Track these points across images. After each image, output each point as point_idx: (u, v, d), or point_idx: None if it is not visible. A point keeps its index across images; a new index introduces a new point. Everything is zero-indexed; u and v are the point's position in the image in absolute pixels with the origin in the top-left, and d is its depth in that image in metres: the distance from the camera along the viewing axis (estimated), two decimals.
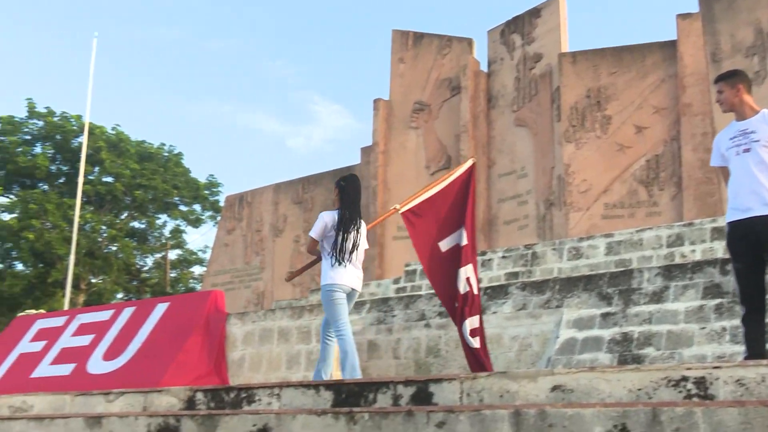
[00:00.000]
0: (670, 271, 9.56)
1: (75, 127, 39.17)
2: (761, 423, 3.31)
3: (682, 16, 17.75)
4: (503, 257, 14.79)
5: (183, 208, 41.70)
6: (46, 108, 39.47)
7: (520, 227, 19.17)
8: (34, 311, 17.09)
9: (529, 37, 20.15)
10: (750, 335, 5.42)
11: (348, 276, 6.89)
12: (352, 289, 6.95)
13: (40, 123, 39.57)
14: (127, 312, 11.44)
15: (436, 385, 4.71)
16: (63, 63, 79.31)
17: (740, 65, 14.85)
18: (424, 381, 4.78)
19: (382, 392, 4.93)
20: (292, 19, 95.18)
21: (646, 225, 16.05)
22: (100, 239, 37.60)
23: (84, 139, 31.32)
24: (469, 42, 21.58)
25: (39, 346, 12.31)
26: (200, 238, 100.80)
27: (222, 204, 33.23)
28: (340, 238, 6.91)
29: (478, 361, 7.32)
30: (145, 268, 43.08)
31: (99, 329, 11.45)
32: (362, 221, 7.21)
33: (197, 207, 41.98)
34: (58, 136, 39.19)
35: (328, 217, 7.05)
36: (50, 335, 12.39)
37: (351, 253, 6.95)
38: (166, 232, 42.24)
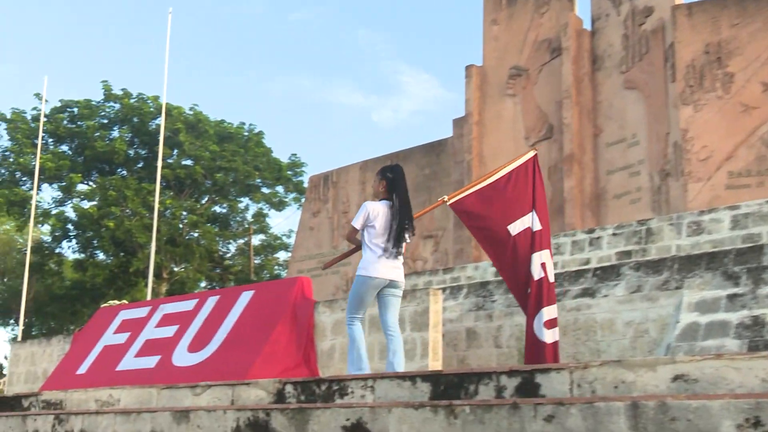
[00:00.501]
0: None
1: (152, 109, 40.42)
2: None
3: None
4: (614, 235, 14.48)
5: (265, 190, 42.52)
6: (122, 90, 40.90)
7: (632, 201, 18.70)
8: (116, 302, 17.82)
9: None
10: None
11: (385, 268, 7.12)
12: (390, 281, 7.16)
13: (117, 106, 41.02)
14: (212, 301, 11.77)
15: (543, 376, 4.66)
16: (138, 42, 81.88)
17: None
18: (530, 371, 4.74)
19: (483, 383, 4.91)
20: None
21: None
22: (180, 226, 38.77)
23: (161, 120, 32.28)
24: None
25: (123, 338, 12.83)
26: (284, 221, 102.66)
27: (306, 185, 33.74)
28: (384, 229, 7.11)
29: (545, 357, 7.25)
30: (228, 255, 44.22)
31: (183, 320, 11.83)
32: (410, 212, 7.36)
33: (280, 189, 42.73)
34: (135, 119, 40.54)
35: (372, 207, 7.23)
36: (134, 326, 12.89)
37: (395, 246, 7.15)
38: (249, 216, 43.21)
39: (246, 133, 41.93)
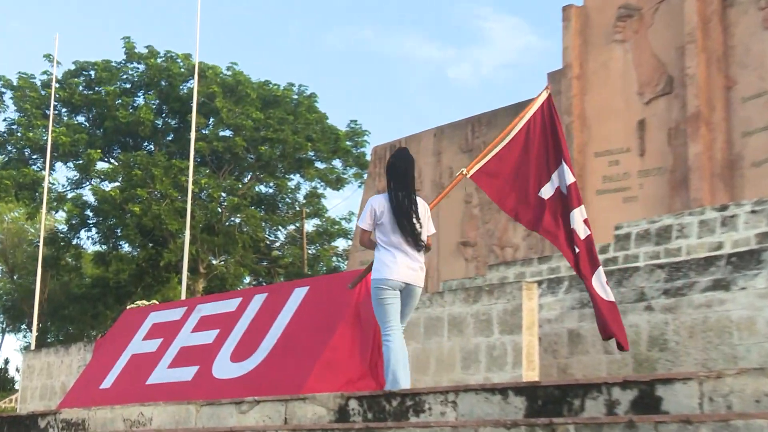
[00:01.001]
0: None
1: (183, 70, 40.99)
2: None
3: None
4: (753, 212, 14.17)
5: (320, 165, 42.81)
6: (147, 48, 41.54)
7: None
8: (145, 302, 18.21)
9: None
10: None
11: (401, 269, 7.41)
12: (407, 284, 7.47)
13: (141, 67, 41.75)
14: (258, 300, 11.90)
15: (665, 387, 4.61)
16: None
17: None
18: (649, 382, 4.69)
19: (591, 397, 4.87)
20: None
21: None
22: (219, 210, 39.29)
23: (194, 83, 32.69)
24: None
25: (154, 345, 13.07)
26: (343, 203, 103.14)
27: (368, 158, 33.80)
28: (392, 225, 7.43)
29: (619, 319, 7.68)
30: (277, 244, 44.75)
31: (224, 322, 11.99)
32: (421, 202, 7.68)
33: (337, 163, 43.00)
34: (162, 82, 41.20)
35: (376, 202, 7.55)
36: (166, 331, 13.12)
37: (407, 242, 7.45)
38: (300, 197, 43.56)
39: (295, 97, 42.22)
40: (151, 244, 40.67)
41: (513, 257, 21.85)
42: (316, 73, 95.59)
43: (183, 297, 28.10)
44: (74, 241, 43.34)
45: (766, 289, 10.20)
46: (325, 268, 43.66)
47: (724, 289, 10.72)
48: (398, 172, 7.60)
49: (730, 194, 18.87)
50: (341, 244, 44.93)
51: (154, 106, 41.33)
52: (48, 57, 40.83)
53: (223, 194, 39.55)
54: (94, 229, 42.67)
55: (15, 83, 41.05)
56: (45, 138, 37.59)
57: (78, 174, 41.28)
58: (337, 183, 42.61)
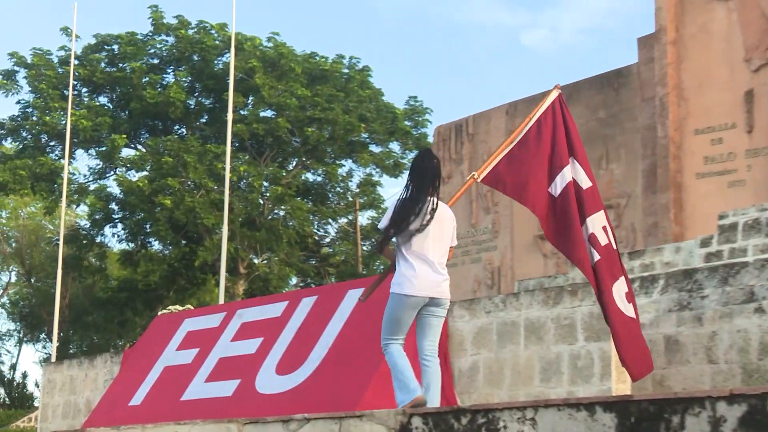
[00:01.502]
0: None
1: (218, 42, 41.29)
2: None
3: None
4: None
5: (375, 148, 42.84)
6: (177, 18, 41.88)
7: None
8: (179, 308, 18.38)
9: None
10: None
11: (423, 283, 7.67)
12: (431, 299, 7.73)
13: (171, 40, 42.13)
14: (306, 304, 11.98)
15: None
16: None
17: None
18: (760, 395, 4.64)
19: (692, 413, 4.84)
20: None
21: None
22: (261, 201, 39.52)
23: (231, 57, 32.88)
24: None
25: (189, 356, 13.23)
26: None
27: (431, 139, 33.75)
28: (414, 232, 7.71)
29: (641, 336, 8.09)
30: (327, 240, 44.94)
31: (268, 330, 12.10)
32: (446, 208, 7.95)
33: (395, 146, 42.99)
34: (195, 57, 41.54)
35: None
36: (203, 340, 13.26)
37: (430, 252, 7.73)
38: (353, 185, 43.61)
39: (346, 71, 42.29)
40: (184, 242, 41.05)
41: None
42: (369, 44, 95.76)
43: (221, 301, 28.34)
44: (98, 239, 43.90)
45: None
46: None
47: None
48: (421, 175, 7.88)
49: None
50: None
51: (186, 84, 41.65)
52: (65, 30, 41.36)
53: (265, 183, 39.75)
54: (119, 225, 43.18)
55: (29, 60, 41.62)
56: (63, 122, 38.04)
57: (101, 162, 41.79)
58: (395, 169, 42.55)
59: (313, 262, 43.86)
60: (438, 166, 8.01)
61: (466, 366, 10.79)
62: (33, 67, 41.33)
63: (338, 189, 43.62)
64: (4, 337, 62.41)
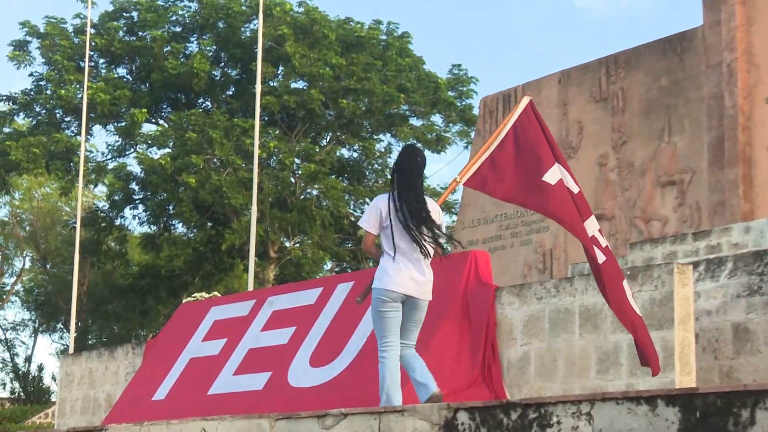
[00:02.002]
0: None
1: (245, 8, 41.36)
2: None
3: None
4: None
5: (416, 122, 42.80)
6: None
7: None
8: (205, 295, 18.48)
9: None
10: None
11: (403, 280, 8.25)
12: (408, 297, 8.32)
13: (194, 5, 42.24)
14: (342, 290, 12.01)
15: None
16: None
17: None
18: None
19: (763, 407, 4.82)
20: None
21: None
22: (293, 180, 39.61)
23: (259, 24, 32.95)
24: None
25: (216, 346, 13.30)
26: (446, 168, 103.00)
27: (477, 111, 33.69)
28: (399, 230, 8.30)
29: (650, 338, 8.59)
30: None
31: (301, 319, 12.14)
32: (434, 204, 8.64)
33: (438, 119, 42.95)
34: (220, 24, 41.66)
35: (382, 202, 8.50)
36: (231, 330, 13.32)
37: (415, 250, 8.32)
38: (392, 162, 43.50)
39: (383, 38, 42.23)
40: (210, 224, 41.26)
41: (661, 233, 21.61)
42: (408, 8, 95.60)
43: (250, 288, 28.49)
44: (117, 222, 44.25)
45: None
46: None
47: None
48: (405, 170, 8.52)
49: None
50: (445, 219, 44.91)
51: (211, 54, 41.77)
52: None
53: (297, 160, 39.81)
54: (141, 207, 43.49)
55: (42, 30, 41.88)
56: (79, 96, 38.32)
57: (120, 139, 42.07)
58: (438, 144, 42.48)
59: (349, 245, 43.89)
60: (423, 163, 8.61)
61: (515, 357, 10.78)
62: (46, 36, 41.59)
63: (376, 166, 43.66)
64: (18, 327, 63.04)
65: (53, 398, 49.74)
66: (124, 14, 42.33)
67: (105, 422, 13.33)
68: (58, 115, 41.88)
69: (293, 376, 11.42)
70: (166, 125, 41.39)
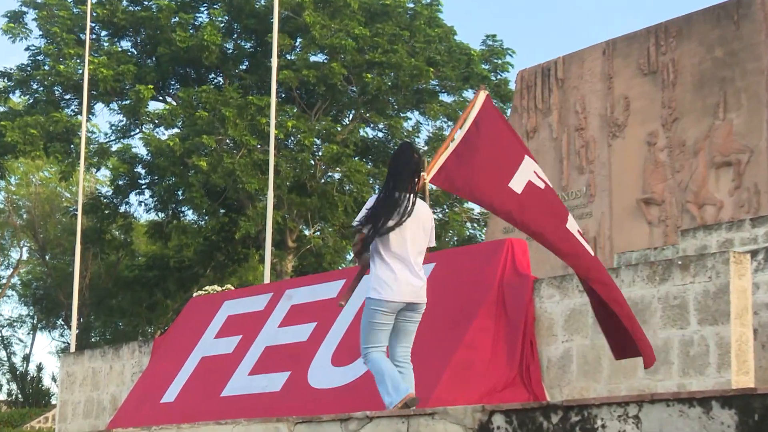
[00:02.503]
0: None
1: None
2: None
3: None
4: None
5: (446, 98, 42.73)
6: None
7: None
8: (217, 288, 18.54)
9: None
10: None
11: (402, 287, 8.47)
12: (407, 304, 8.53)
13: None
14: (366, 282, 12.01)
15: None
16: None
17: None
18: None
19: None
20: None
21: None
22: (312, 162, 39.59)
23: None
24: None
25: (230, 344, 13.35)
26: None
27: (513, 86, 33.62)
28: (393, 232, 8.50)
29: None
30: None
31: (323, 314, 12.16)
32: (425, 206, 8.84)
33: (470, 95, 42.75)
34: None
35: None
36: (246, 326, 13.37)
37: (409, 253, 8.55)
38: (421, 141, 43.56)
39: (411, 6, 42.12)
40: (222, 211, 41.33)
41: (716, 218, 21.54)
42: None
43: (267, 280, 28.54)
44: (122, 209, 44.35)
45: None
46: (456, 239, 43.68)
47: None
48: (400, 170, 8.67)
49: None
50: (477, 205, 44.79)
51: (222, 25, 41.78)
52: None
53: (317, 141, 39.80)
54: (147, 192, 43.58)
55: (39, 0, 41.95)
56: (80, 71, 38.40)
57: (124, 119, 42.13)
58: None
59: None
60: (419, 162, 8.78)
61: (556, 355, 10.78)
62: (44, 7, 41.70)
63: None
64: (15, 324, 63.39)
65: (53, 401, 50.06)
66: None
67: (110, 426, 13.42)
68: (57, 92, 42.01)
69: (314, 376, 11.46)
70: (175, 103, 41.46)
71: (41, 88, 41.97)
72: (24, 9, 42.23)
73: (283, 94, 39.35)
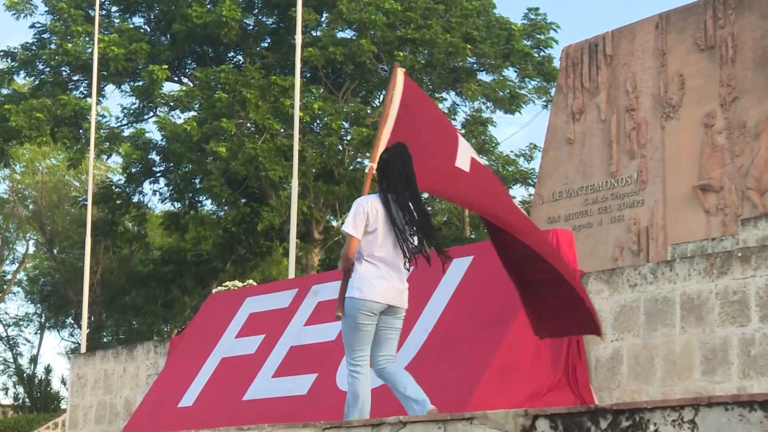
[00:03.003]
0: None
1: None
2: None
3: None
4: None
5: (485, 77, 42.68)
6: None
7: None
8: (238, 284, 18.60)
9: None
10: None
11: (386, 289, 8.87)
12: (389, 306, 8.93)
13: None
14: None
15: None
16: None
17: None
18: None
19: None
20: None
21: None
22: (340, 147, 39.59)
23: None
24: None
25: (252, 344, 13.41)
26: (521, 131, 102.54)
27: (557, 63, 33.52)
28: (385, 236, 8.92)
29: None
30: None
31: None
32: (421, 206, 9.20)
33: (511, 73, 42.78)
34: None
35: (368, 204, 9.03)
36: (269, 325, 13.42)
37: (400, 258, 8.99)
38: (458, 124, 43.51)
39: None
40: (243, 200, 41.37)
41: None
42: None
43: (291, 275, 28.59)
44: (135, 198, 44.46)
45: None
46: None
47: None
48: (398, 168, 9.01)
49: None
50: (519, 193, 44.79)
51: (242, 0, 41.77)
52: None
53: (345, 124, 39.78)
54: (162, 180, 43.69)
55: None
56: (89, 50, 38.47)
57: (137, 101, 42.21)
58: (512, 102, 42.28)
59: None
60: (411, 161, 9.06)
61: (605, 355, 10.78)
62: None
63: None
64: (21, 323, 63.62)
65: (63, 405, 50.32)
66: None
67: None
68: (64, 73, 42.11)
69: (342, 378, 11.49)
70: (191, 84, 41.50)
71: (47, 69, 42.06)
72: None
73: (308, 73, 39.38)
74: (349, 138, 39.53)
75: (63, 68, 41.74)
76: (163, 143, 41.19)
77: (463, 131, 42.75)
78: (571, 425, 6.07)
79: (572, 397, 10.35)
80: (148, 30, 42.83)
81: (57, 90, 40.75)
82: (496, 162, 43.46)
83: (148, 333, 51.46)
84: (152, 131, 42.23)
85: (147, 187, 44.23)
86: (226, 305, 14.63)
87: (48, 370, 59.40)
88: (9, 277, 60.92)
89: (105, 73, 39.21)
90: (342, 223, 41.04)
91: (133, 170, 43.19)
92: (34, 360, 62.14)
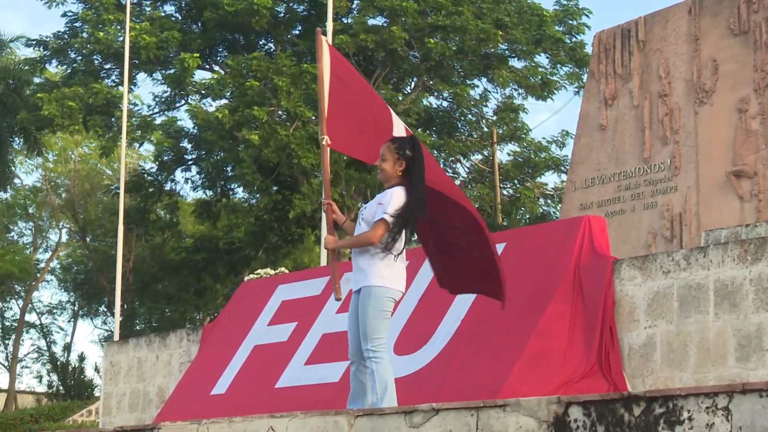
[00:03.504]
0: None
1: None
2: None
3: None
4: None
5: (516, 63, 42.56)
6: None
7: None
8: (270, 272, 18.62)
9: None
10: None
11: (404, 278, 9.38)
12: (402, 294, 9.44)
13: None
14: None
15: None
16: None
17: None
18: None
19: None
20: None
21: None
22: None
23: None
24: None
25: (284, 332, 13.43)
26: (553, 118, 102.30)
27: (589, 49, 33.42)
28: (402, 229, 9.22)
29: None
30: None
31: None
32: (422, 201, 9.41)
33: (543, 59, 42.66)
34: None
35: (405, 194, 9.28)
36: (302, 313, 13.44)
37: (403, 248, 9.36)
38: (489, 111, 43.50)
39: None
40: (275, 188, 41.41)
41: None
42: None
43: (323, 263, 28.63)
44: (167, 186, 44.57)
45: None
46: (528, 216, 43.58)
47: None
48: (419, 161, 9.26)
49: None
50: (551, 180, 44.69)
51: None
52: None
53: None
54: (194, 168, 43.77)
55: None
56: (121, 39, 38.53)
57: (169, 89, 42.28)
58: (543, 89, 42.16)
59: None
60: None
61: (638, 342, 10.75)
62: None
63: (470, 116, 43.51)
64: (55, 311, 64.00)
65: (96, 393, 50.59)
66: None
67: (157, 420, 13.54)
68: (96, 61, 42.16)
69: None
70: (223, 72, 41.54)
71: (79, 58, 42.12)
72: None
73: None
74: None
75: (95, 57, 41.78)
76: (195, 131, 41.23)
77: (494, 118, 42.75)
78: (605, 412, 6.07)
79: (605, 384, 10.32)
80: (180, 18, 42.85)
81: (89, 78, 40.79)
82: (528, 149, 43.41)
83: (181, 321, 51.59)
84: (184, 119, 42.44)
85: (179, 175, 44.34)
86: (258, 293, 14.65)
87: (81, 358, 59.64)
88: (42, 265, 61.20)
89: (136, 61, 39.24)
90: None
91: (165, 158, 43.28)
92: (67, 348, 62.48)
